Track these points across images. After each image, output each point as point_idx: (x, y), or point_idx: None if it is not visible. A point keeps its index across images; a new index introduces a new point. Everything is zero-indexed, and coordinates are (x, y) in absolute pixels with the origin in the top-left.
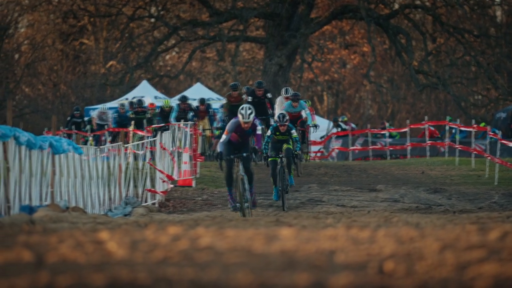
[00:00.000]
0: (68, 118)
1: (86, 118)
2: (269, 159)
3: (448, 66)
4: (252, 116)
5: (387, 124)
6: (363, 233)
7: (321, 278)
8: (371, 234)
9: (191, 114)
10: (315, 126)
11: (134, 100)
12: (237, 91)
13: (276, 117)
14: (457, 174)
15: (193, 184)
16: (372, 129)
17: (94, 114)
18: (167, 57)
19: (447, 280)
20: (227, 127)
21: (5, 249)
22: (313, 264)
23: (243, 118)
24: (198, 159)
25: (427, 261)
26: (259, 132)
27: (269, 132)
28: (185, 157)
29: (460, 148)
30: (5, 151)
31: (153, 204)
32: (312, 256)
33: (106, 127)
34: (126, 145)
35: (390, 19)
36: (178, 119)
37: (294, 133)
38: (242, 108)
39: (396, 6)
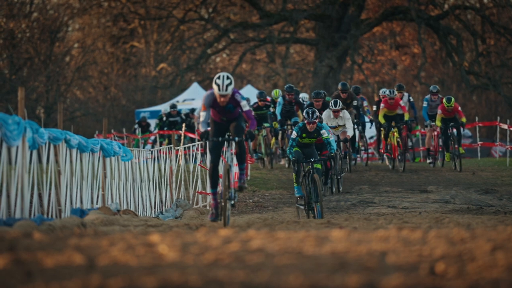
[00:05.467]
0: (164, 118)
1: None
2: (294, 149)
3: (499, 66)
4: (230, 88)
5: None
6: (414, 234)
7: (372, 280)
8: (423, 235)
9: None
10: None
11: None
12: (321, 100)
13: (304, 113)
14: (508, 175)
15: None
16: (423, 131)
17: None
18: (218, 59)
19: (498, 280)
20: (203, 101)
21: (56, 252)
22: (364, 266)
23: (219, 89)
24: (248, 161)
25: (478, 262)
26: (246, 108)
27: (294, 134)
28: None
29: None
30: (56, 154)
31: (204, 206)
32: (363, 257)
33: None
34: (177, 147)
35: (441, 20)
36: (283, 114)
37: (324, 133)
38: (219, 77)
39: (446, 7)
